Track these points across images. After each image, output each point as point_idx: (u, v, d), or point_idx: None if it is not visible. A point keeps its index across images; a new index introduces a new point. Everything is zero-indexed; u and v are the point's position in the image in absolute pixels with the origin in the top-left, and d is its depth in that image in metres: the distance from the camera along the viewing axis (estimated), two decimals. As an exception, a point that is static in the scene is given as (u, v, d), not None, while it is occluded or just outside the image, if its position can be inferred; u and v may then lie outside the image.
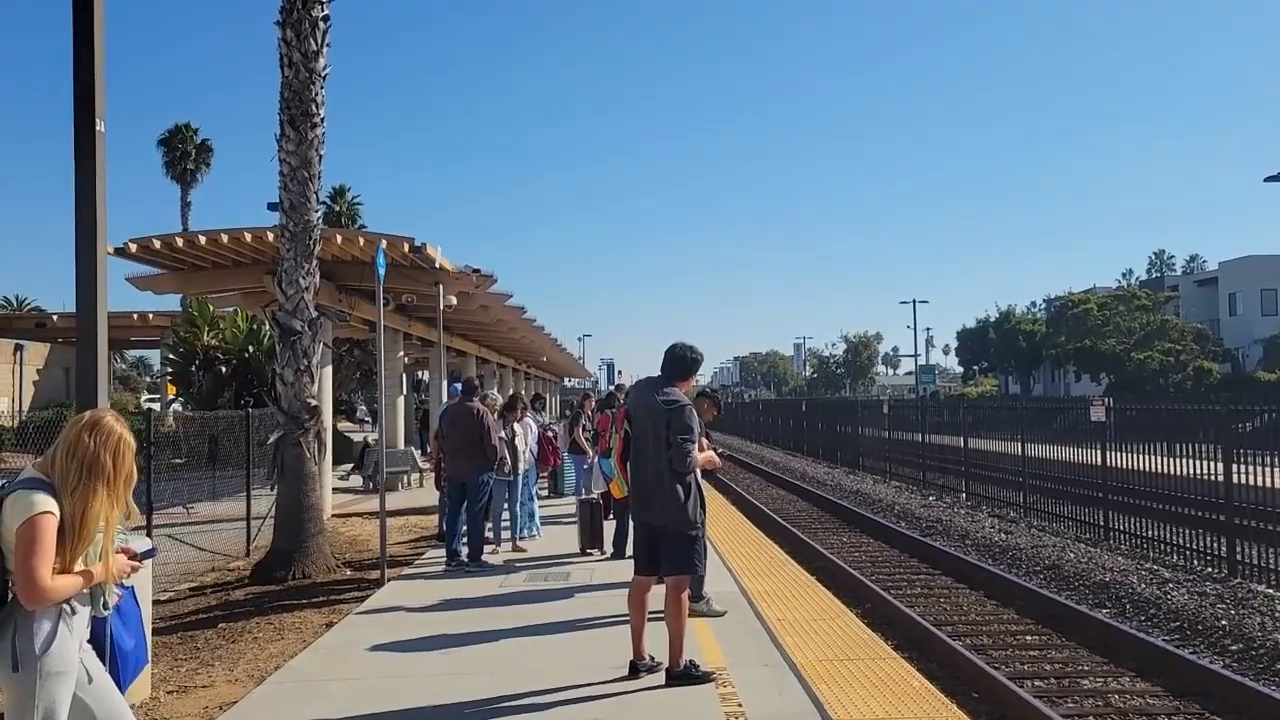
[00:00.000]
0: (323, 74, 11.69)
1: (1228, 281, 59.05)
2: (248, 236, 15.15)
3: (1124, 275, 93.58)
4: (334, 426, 29.45)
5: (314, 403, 11.67)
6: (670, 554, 6.03)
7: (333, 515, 17.35)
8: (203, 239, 15.31)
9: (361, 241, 15.81)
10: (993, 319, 69.69)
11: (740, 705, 5.67)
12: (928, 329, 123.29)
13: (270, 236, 14.10)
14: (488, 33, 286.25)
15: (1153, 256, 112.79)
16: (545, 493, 17.20)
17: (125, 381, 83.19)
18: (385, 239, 16.27)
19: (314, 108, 11.57)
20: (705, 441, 7.89)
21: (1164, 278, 78.38)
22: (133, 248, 15.19)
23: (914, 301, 73.22)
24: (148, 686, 6.83)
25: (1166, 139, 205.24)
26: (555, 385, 74.47)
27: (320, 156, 11.72)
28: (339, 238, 15.71)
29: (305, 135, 11.50)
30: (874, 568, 13.31)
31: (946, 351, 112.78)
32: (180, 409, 33.43)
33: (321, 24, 11.66)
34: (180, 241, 15.35)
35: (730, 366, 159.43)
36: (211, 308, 28.63)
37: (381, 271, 10.98)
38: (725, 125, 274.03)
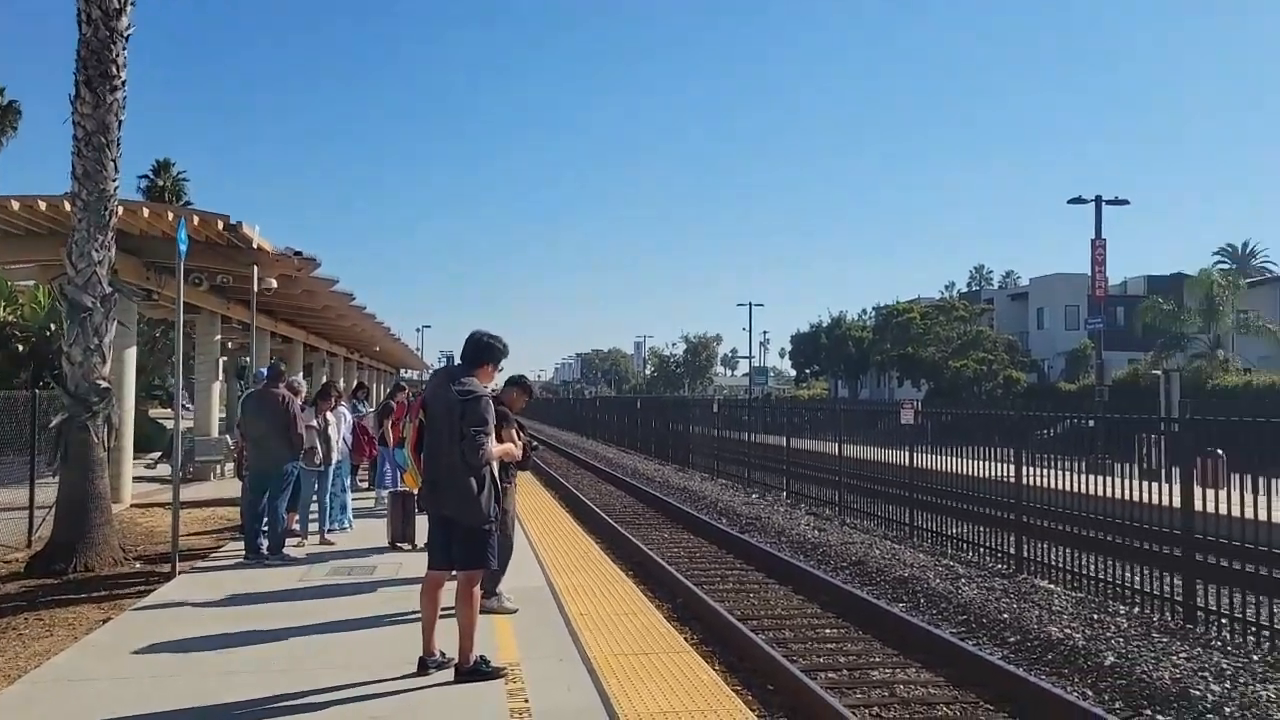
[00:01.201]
0: (125, 34, 10.99)
1: (1036, 297, 62.99)
2: (42, 205, 14.08)
3: (946, 287, 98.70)
4: (146, 412, 27.94)
5: (104, 384, 10.94)
6: (462, 548, 5.88)
7: (132, 505, 16.38)
8: (-10, 205, 14.14)
9: (170, 216, 14.92)
10: (825, 324, 72.26)
11: (527, 701, 5.58)
12: (765, 332, 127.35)
13: (68, 206, 13.15)
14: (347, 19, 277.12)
15: (973, 270, 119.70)
16: (366, 484, 16.71)
17: (-85, 359, 76.49)
18: (197, 215, 15.46)
19: (114, 69, 10.86)
20: (517, 432, 7.78)
21: (982, 291, 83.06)
22: (-96, 211, 13.90)
23: (750, 304, 75.15)
24: (-120, 690, 6.21)
25: (991, 160, 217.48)
26: (392, 376, 72.73)
27: (120, 122, 11.01)
28: (145, 211, 14.82)
29: (103, 98, 10.77)
30: (690, 563, 13.48)
31: (782, 355, 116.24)
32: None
33: (125, -21, 10.94)
34: (-37, 207, 14.12)
35: (572, 363, 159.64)
36: (10, 282, 26.61)
37: (183, 248, 10.38)
38: (572, 124, 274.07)
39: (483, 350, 6.13)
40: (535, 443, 8.79)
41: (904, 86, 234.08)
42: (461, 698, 5.66)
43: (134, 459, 18.59)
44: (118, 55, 10.89)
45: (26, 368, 25.95)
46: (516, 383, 8.07)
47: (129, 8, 11.04)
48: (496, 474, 5.98)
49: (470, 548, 5.87)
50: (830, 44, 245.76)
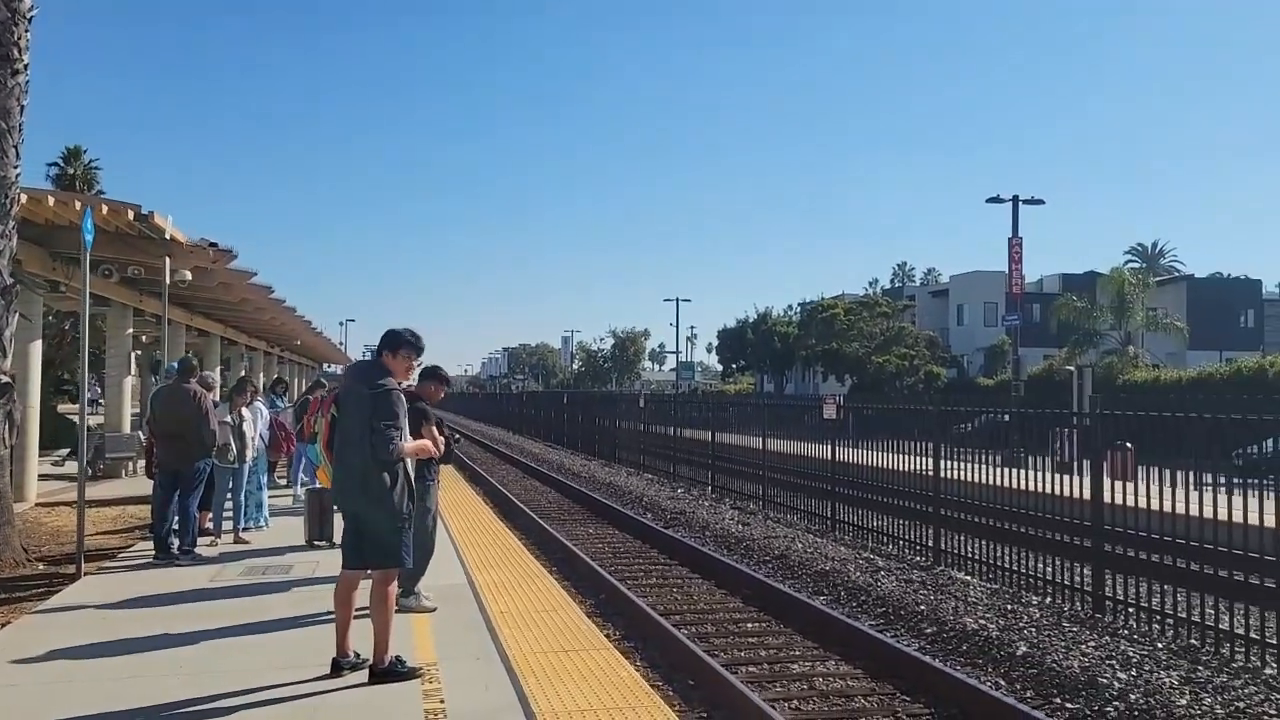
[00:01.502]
0: (27, 15, 10.54)
1: (957, 293, 64.43)
2: (-61, 192, 13.45)
3: (870, 284, 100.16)
4: (55, 408, 26.95)
5: (5, 379, 10.51)
6: (375, 547, 5.77)
7: (38, 504, 15.80)
8: (-118, 191, 13.47)
9: (78, 205, 14.35)
10: (751, 320, 72.88)
11: (443, 702, 5.50)
12: (692, 327, 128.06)
13: (-33, 193, 12.59)
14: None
15: (896, 267, 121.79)
16: (284, 481, 16.37)
17: None
18: (106, 205, 14.96)
19: (16, 52, 10.40)
20: (437, 427, 7.66)
21: (904, 288, 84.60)
22: None
23: (676, 300, 75.43)
24: None
25: (915, 157, 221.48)
26: (314, 371, 71.49)
27: (22, 107, 10.55)
28: (51, 200, 14.22)
29: (4, 83, 10.33)
30: (614, 559, 13.47)
31: (710, 350, 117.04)
32: None
33: (27, -42, 10.50)
34: None
35: (499, 357, 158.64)
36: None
37: (89, 238, 10.01)
38: (500, 120, 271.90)
39: (387, 339, 6.00)
40: (457, 436, 8.68)
41: (828, 82, 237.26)
42: (375, 699, 5.55)
43: (41, 456, 17.94)
44: (20, 38, 10.44)
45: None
46: (432, 374, 7.94)
47: (32, -13, 10.60)
48: (410, 470, 5.87)
49: (383, 546, 5.76)
50: (754, 37, 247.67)
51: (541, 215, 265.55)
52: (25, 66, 10.59)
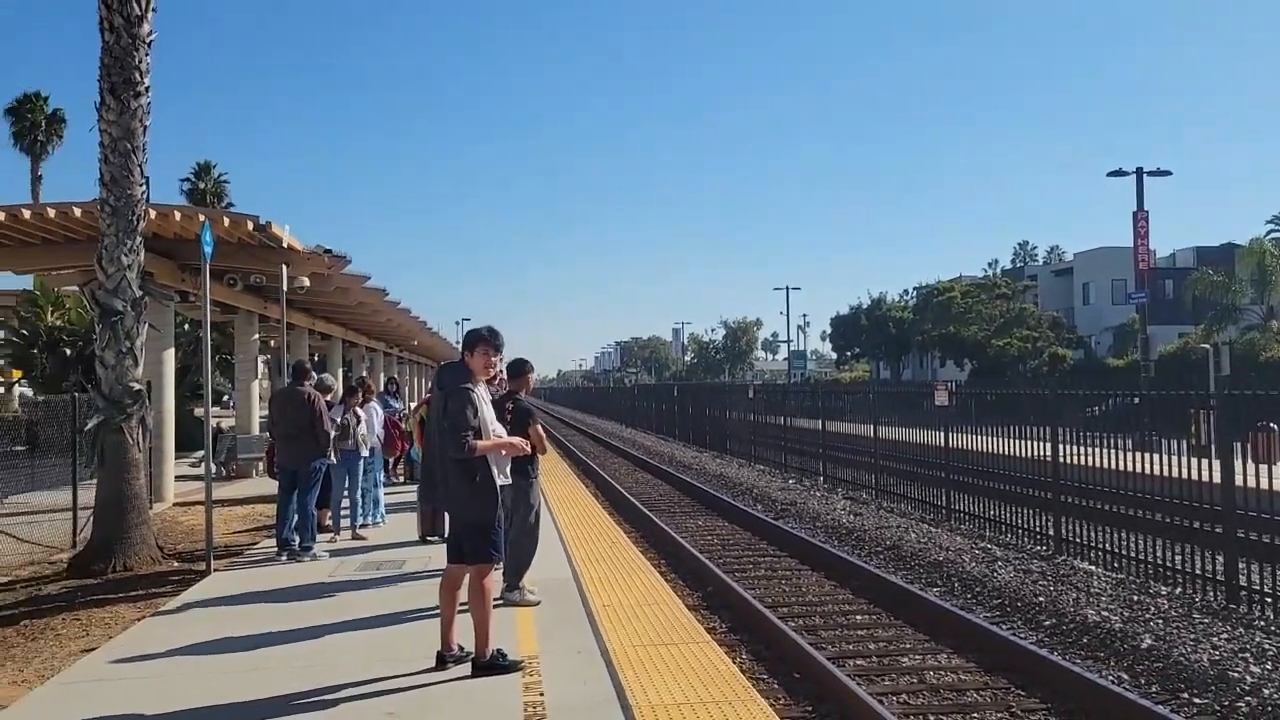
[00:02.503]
0: (147, 40, 11.10)
1: (1082, 271, 61.89)
2: (77, 211, 14.30)
3: (990, 265, 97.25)
4: (191, 412, 28.35)
5: (137, 387, 11.10)
6: (467, 542, 5.88)
7: (175, 504, 16.65)
8: (26, 213, 14.41)
9: (201, 219, 15.08)
10: (865, 306, 71.52)
11: (542, 694, 5.57)
12: (804, 315, 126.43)
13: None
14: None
15: (1017, 247, 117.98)
16: (401, 479, 16.82)
17: (-32, 364, 78.40)
18: (228, 217, 15.66)
19: (137, 75, 10.98)
20: (538, 426, 7.76)
21: (1025, 268, 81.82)
22: (-55, 222, 14.18)
23: (787, 288, 74.55)
24: (-82, 691, 6.36)
25: (1035, 133, 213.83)
26: (433, 370, 73.41)
27: (145, 128, 11.14)
28: (178, 215, 15.00)
29: (128, 105, 10.91)
30: (722, 551, 13.42)
31: (824, 338, 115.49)
32: (30, 393, 31.64)
33: (146, -14, 11.04)
34: (1, 215, 14.37)
35: (611, 351, 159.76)
36: (56, 288, 27.11)
37: (208, 250, 10.49)
38: (605, 111, 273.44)
39: (465, 339, 6.19)
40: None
41: (943, 62, 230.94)
42: (476, 691, 5.67)
43: (178, 458, 18.89)
44: (140, 62, 11.01)
45: (75, 370, 26.45)
46: (519, 369, 7.96)
47: (150, 14, 11.16)
48: (496, 467, 5.93)
49: (474, 542, 5.87)
50: (864, 20, 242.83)
51: (654, 208, 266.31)
52: (147, 89, 11.15)
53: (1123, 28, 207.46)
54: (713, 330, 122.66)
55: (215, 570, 9.84)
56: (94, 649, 7.22)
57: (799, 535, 13.92)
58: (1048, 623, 9.13)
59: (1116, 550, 11.18)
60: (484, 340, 6.11)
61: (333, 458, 10.65)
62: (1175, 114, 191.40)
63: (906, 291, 72.99)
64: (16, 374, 31.72)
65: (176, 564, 11.05)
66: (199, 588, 9.06)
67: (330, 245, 18.02)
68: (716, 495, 18.91)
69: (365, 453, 11.60)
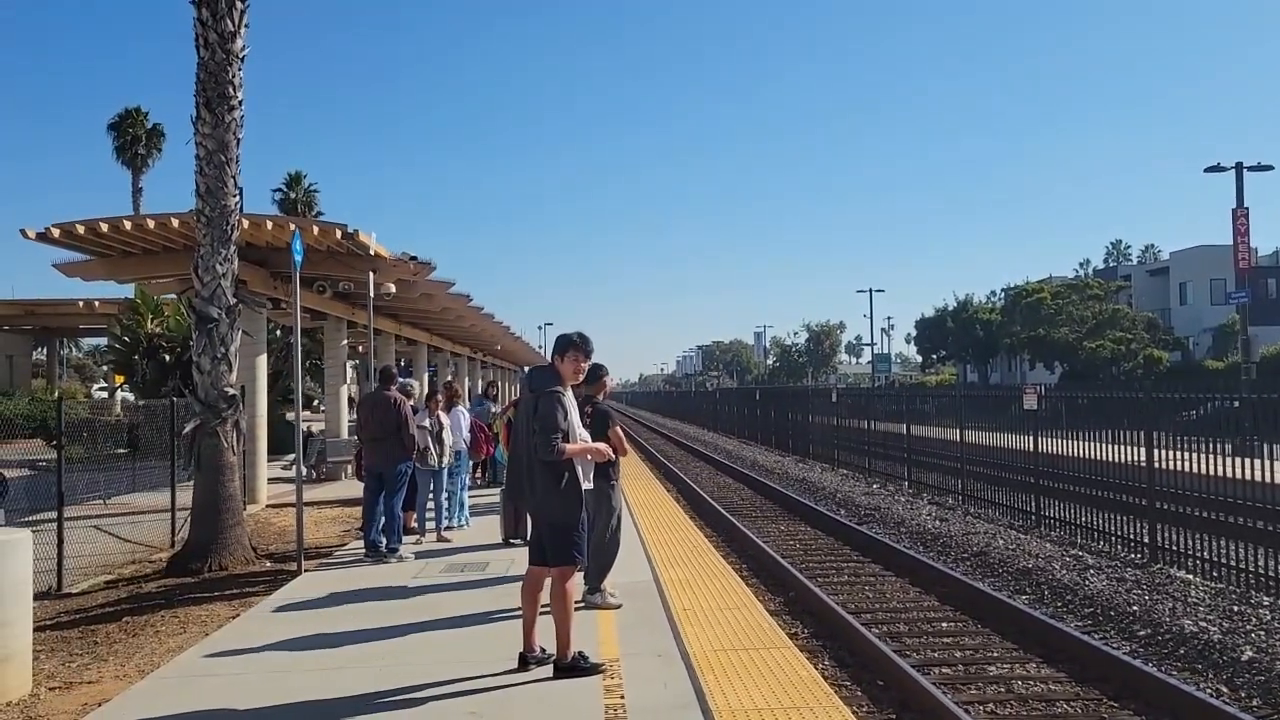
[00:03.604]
0: (240, 55, 11.46)
1: (1178, 271, 59.87)
2: (175, 222, 14.84)
3: (1081, 265, 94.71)
4: (284, 415, 29.19)
5: (232, 392, 11.46)
6: (550, 544, 5.94)
7: (268, 505, 17.12)
8: (128, 224, 15.01)
9: (292, 228, 15.52)
10: (951, 308, 70.14)
11: (623, 697, 5.59)
12: (888, 318, 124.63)
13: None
14: (468, 25, 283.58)
15: (1110, 246, 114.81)
16: (481, 482, 17.05)
17: (80, 370, 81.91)
18: (317, 225, 16.08)
19: (231, 90, 11.34)
20: (618, 429, 7.81)
21: (1119, 267, 79.42)
22: (55, 233, 14.84)
23: (870, 290, 73.44)
24: (28, 682, 6.65)
25: (1130, 131, 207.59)
26: (516, 374, 74.26)
27: (238, 140, 11.50)
28: (269, 224, 15.47)
29: (222, 118, 11.27)
30: (805, 556, 13.31)
31: (909, 340, 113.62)
32: (131, 398, 32.93)
33: (239, 3, 11.41)
34: (105, 227, 14.99)
35: (693, 355, 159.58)
36: (156, 296, 28.15)
37: (298, 258, 10.79)
38: (685, 117, 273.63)
39: (555, 343, 6.24)
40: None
41: (1029, 57, 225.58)
42: (557, 693, 5.72)
43: (271, 461, 19.42)
44: (234, 76, 11.37)
45: (173, 376, 27.42)
46: (594, 374, 7.95)
47: (243, 30, 11.52)
48: (581, 471, 5.98)
49: (557, 544, 5.92)
50: (947, 18, 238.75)
51: (736, 213, 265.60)
52: (240, 103, 11.51)
53: (1218, 17, 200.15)
54: (795, 333, 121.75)
55: (305, 570, 10.10)
56: (190, 646, 7.47)
57: (883, 540, 13.73)
58: (1142, 633, 8.85)
59: (1215, 559, 10.77)
60: (575, 346, 6.18)
61: (428, 461, 10.89)
62: (1276, 106, 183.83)
63: (994, 293, 71.45)
64: (119, 379, 33.01)
65: (269, 564, 11.37)
66: (290, 588, 9.31)
67: (415, 252, 18.41)
68: (799, 499, 18.76)
69: (444, 464, 11.68)
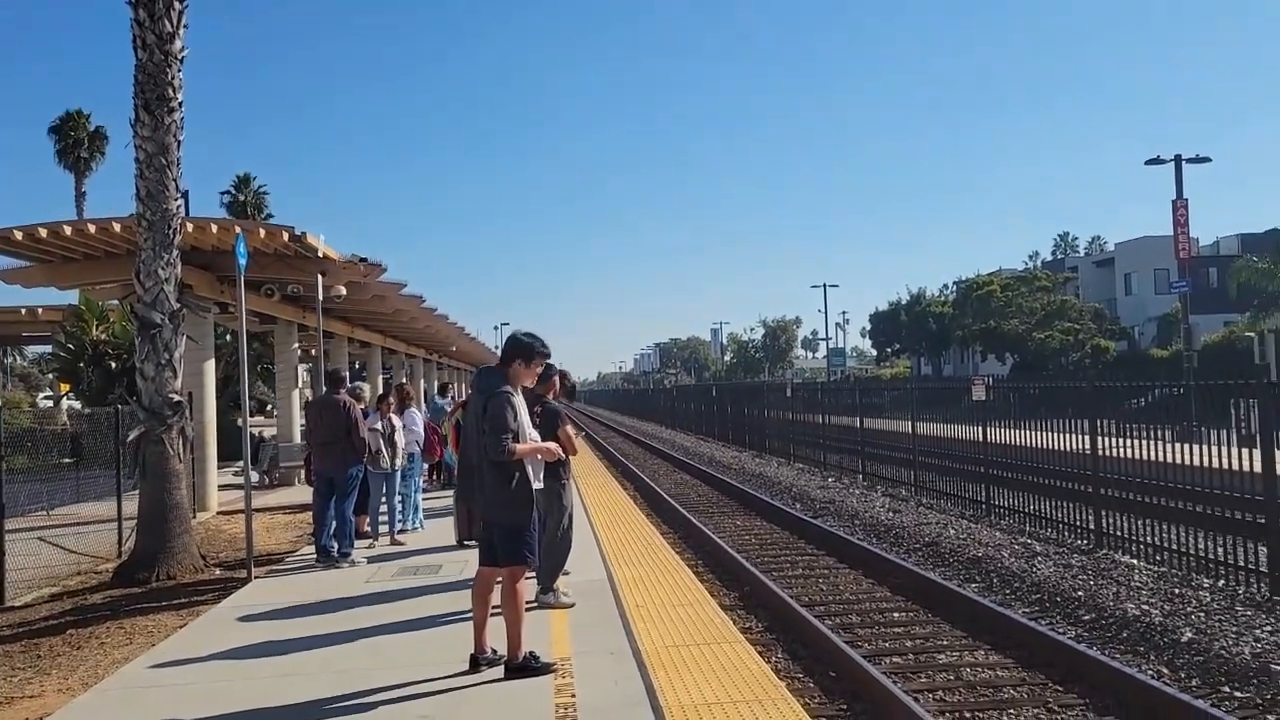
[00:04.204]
0: (180, 56, 11.28)
1: (1123, 262, 61.00)
2: (117, 227, 14.60)
3: (1030, 257, 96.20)
4: (235, 421, 28.77)
5: (177, 398, 11.29)
6: (501, 545, 5.93)
7: (219, 512, 16.88)
8: (68, 229, 14.73)
9: (237, 230, 15.31)
10: (904, 302, 70.95)
11: (574, 696, 5.60)
12: (843, 313, 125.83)
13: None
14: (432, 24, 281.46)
15: (1058, 239, 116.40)
16: (432, 484, 16.92)
17: (25, 379, 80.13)
18: (264, 228, 15.89)
19: (171, 91, 11.16)
20: (568, 429, 7.81)
21: (1066, 259, 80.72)
22: (-9, 239, 14.53)
23: (824, 285, 74.20)
24: (-34, 699, 6.52)
25: (1074, 123, 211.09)
26: (471, 374, 73.88)
27: (179, 143, 11.32)
28: (214, 227, 15.24)
29: (162, 121, 11.10)
30: (760, 550, 13.39)
31: (864, 334, 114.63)
32: (78, 406, 32.29)
33: (177, 4, 11.23)
34: (44, 232, 14.69)
35: (650, 353, 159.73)
36: (100, 302, 27.61)
37: (242, 261, 10.66)
38: (638, 116, 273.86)
39: (517, 347, 6.16)
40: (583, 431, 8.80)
41: (978, 54, 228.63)
42: (508, 694, 5.71)
43: (221, 467, 19.16)
44: (173, 78, 11.19)
45: (119, 383, 26.93)
46: (546, 373, 7.99)
47: (182, 30, 11.34)
48: (532, 471, 5.99)
49: (508, 544, 5.91)
50: (899, 14, 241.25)
51: (692, 210, 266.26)
52: (180, 105, 11.34)
53: (1159, 16, 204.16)
54: (752, 330, 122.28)
55: (256, 578, 9.98)
56: (136, 657, 7.36)
57: (837, 533, 13.85)
58: (1087, 617, 9.02)
59: (1158, 543, 11.01)
60: (539, 355, 6.20)
61: (380, 465, 10.83)
62: (1220, 101, 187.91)
63: (946, 286, 72.37)
64: (64, 387, 32.36)
65: (219, 572, 11.22)
66: (239, 596, 9.20)
67: (370, 254, 18.25)
68: (755, 494, 18.87)
69: (396, 467, 11.59)
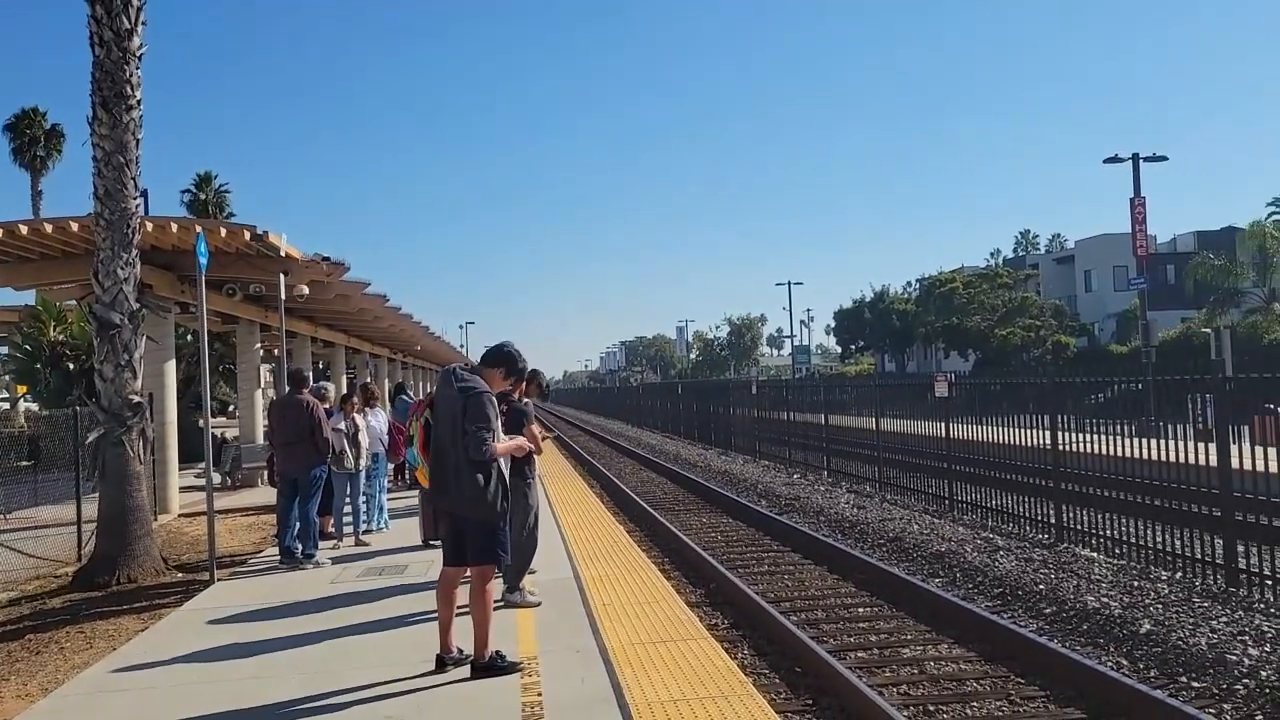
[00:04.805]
0: (138, 54, 11.11)
1: (1083, 259, 61.82)
2: (74, 226, 14.32)
3: (992, 255, 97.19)
4: (197, 422, 28.43)
5: (137, 399, 11.13)
6: (473, 544, 5.91)
7: (180, 515, 16.68)
8: (24, 229, 14.43)
9: (197, 229, 15.11)
10: (868, 299, 71.47)
11: (540, 695, 5.60)
12: (808, 310, 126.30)
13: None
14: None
15: (1019, 236, 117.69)
16: (397, 484, 16.81)
17: (-21, 380, 78.68)
18: (225, 227, 15.70)
19: (129, 89, 11.00)
20: (534, 427, 7.82)
21: (1027, 257, 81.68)
22: (-62, 238, 14.22)
23: (789, 283, 74.60)
24: (-78, 707, 6.41)
25: (1035, 121, 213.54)
26: (435, 374, 73.50)
27: (138, 141, 11.16)
28: (174, 226, 15.03)
29: (120, 119, 10.93)
30: (726, 547, 13.45)
31: (828, 332, 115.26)
32: (35, 408, 31.75)
33: (135, 0, 11.07)
34: (-1, 232, 14.40)
35: (616, 351, 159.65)
36: (58, 302, 27.17)
37: (203, 260, 10.53)
38: (605, 115, 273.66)
39: (502, 357, 6.20)
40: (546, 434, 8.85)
41: (940, 51, 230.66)
42: (475, 693, 5.70)
43: (183, 469, 18.92)
44: (131, 75, 11.03)
45: (78, 385, 26.52)
46: (530, 377, 8.07)
47: (140, 27, 11.18)
48: (505, 469, 5.99)
49: (481, 544, 5.90)
50: (861, 11, 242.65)
51: (655, 208, 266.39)
52: (139, 102, 11.18)
53: (1117, 14, 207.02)
54: (717, 327, 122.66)
55: (218, 580, 9.87)
56: (96, 661, 7.26)
57: (802, 530, 13.94)
58: (1048, 610, 9.15)
59: (1117, 536, 11.19)
60: (518, 369, 6.34)
61: (344, 465, 10.77)
62: (1178, 98, 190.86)
63: (909, 284, 72.99)
64: (21, 389, 31.82)
65: (180, 575, 11.09)
66: (201, 598, 9.10)
67: (335, 254, 18.07)
68: (721, 492, 18.94)
69: (360, 467, 11.53)
